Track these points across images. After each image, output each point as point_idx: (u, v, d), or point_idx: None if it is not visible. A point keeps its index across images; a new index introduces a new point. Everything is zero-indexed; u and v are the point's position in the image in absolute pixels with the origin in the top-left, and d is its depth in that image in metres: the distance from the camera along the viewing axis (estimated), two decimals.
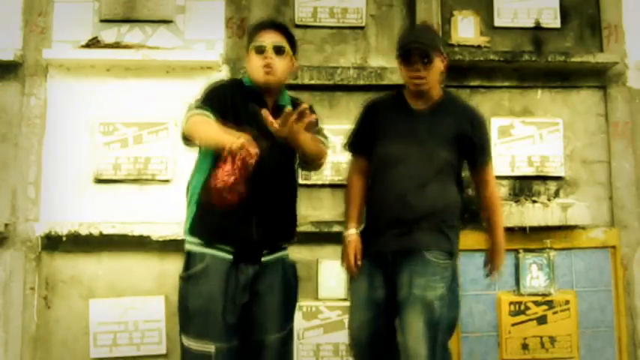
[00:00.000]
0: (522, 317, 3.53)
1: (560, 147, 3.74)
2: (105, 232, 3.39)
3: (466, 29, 3.79)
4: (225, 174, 2.06)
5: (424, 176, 2.54)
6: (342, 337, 3.46)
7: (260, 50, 2.40)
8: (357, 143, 2.77)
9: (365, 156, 2.71)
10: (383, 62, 3.76)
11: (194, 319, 2.29)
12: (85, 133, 3.57)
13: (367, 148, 2.69)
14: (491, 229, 2.77)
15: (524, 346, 3.52)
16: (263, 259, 2.38)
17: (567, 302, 3.55)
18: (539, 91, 3.81)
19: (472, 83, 3.74)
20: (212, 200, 2.13)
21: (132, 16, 3.67)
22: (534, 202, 3.59)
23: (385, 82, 3.63)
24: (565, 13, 3.85)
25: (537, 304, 3.54)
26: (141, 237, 3.40)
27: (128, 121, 3.57)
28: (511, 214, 3.47)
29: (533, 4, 3.83)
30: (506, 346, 3.51)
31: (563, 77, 3.79)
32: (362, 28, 3.80)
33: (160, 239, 3.39)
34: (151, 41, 3.66)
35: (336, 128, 3.61)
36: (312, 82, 3.58)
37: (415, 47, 2.55)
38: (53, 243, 3.44)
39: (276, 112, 2.40)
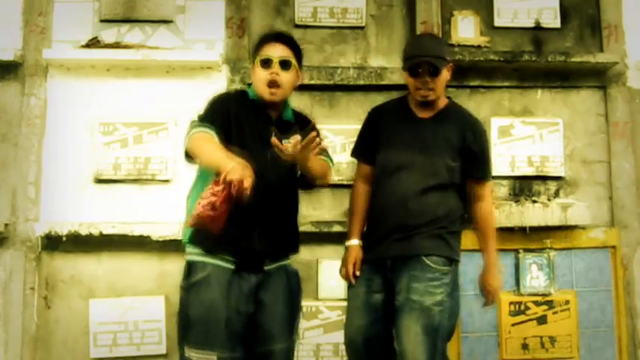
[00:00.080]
0: (522, 317, 3.53)
1: (560, 147, 3.74)
2: (105, 232, 3.38)
3: (466, 29, 3.79)
4: (214, 196, 2.04)
5: (426, 183, 2.54)
6: (342, 337, 3.46)
7: (266, 63, 2.39)
8: (360, 150, 2.78)
9: (369, 163, 2.71)
10: (383, 62, 3.76)
11: (195, 329, 2.27)
12: (85, 133, 3.57)
13: (371, 154, 2.70)
14: (482, 251, 2.72)
15: (524, 346, 3.52)
16: (265, 267, 2.37)
17: (567, 302, 3.55)
18: (539, 91, 3.80)
19: (472, 83, 3.74)
20: (196, 220, 2.10)
21: (132, 16, 3.67)
22: (534, 202, 3.59)
23: (385, 82, 3.64)
24: (565, 13, 3.85)
25: (537, 304, 3.54)
26: (141, 237, 3.40)
27: (128, 121, 3.57)
28: (511, 214, 3.47)
29: (533, 4, 3.83)
30: (506, 346, 3.51)
31: (563, 77, 3.78)
32: (362, 28, 3.80)
33: (160, 239, 3.39)
34: (151, 41, 3.66)
35: (336, 128, 3.62)
36: (312, 82, 3.58)
37: (425, 60, 2.54)
38: (53, 243, 3.44)
39: (280, 125, 2.41)
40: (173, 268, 3.39)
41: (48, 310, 3.46)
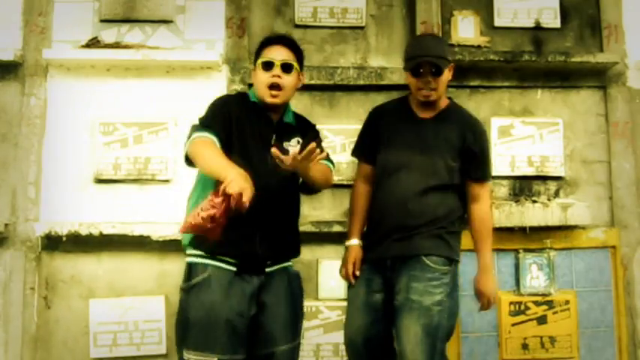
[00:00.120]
0: (522, 317, 3.53)
1: (560, 147, 3.74)
2: (105, 232, 3.38)
3: (466, 29, 3.79)
4: (213, 208, 2.03)
5: (426, 183, 2.54)
6: (342, 337, 3.46)
7: (268, 66, 2.38)
8: (361, 150, 2.79)
9: (369, 162, 2.72)
10: (383, 62, 3.76)
11: (195, 331, 2.25)
12: (85, 133, 3.57)
13: (372, 154, 2.70)
14: (477, 253, 2.68)
15: (524, 346, 3.52)
16: (267, 269, 2.37)
17: (567, 302, 3.55)
18: (539, 91, 3.80)
19: (472, 83, 3.74)
20: (195, 230, 2.09)
21: (132, 16, 3.67)
22: (534, 202, 3.59)
23: (385, 82, 3.64)
24: (565, 13, 3.85)
25: (537, 304, 3.54)
26: (141, 237, 3.39)
27: (128, 121, 3.57)
28: (511, 214, 3.47)
29: (533, 4, 3.83)
30: (506, 346, 3.51)
31: (563, 77, 3.78)
32: (362, 28, 3.80)
33: (160, 239, 3.38)
34: (151, 41, 3.66)
35: (336, 128, 3.62)
36: (312, 82, 3.58)
37: (428, 60, 2.55)
38: (53, 243, 3.44)
39: (281, 128, 2.41)
40: (173, 268, 3.40)
41: (48, 310, 3.46)
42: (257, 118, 2.40)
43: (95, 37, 3.63)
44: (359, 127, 2.86)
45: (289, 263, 2.49)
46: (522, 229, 3.49)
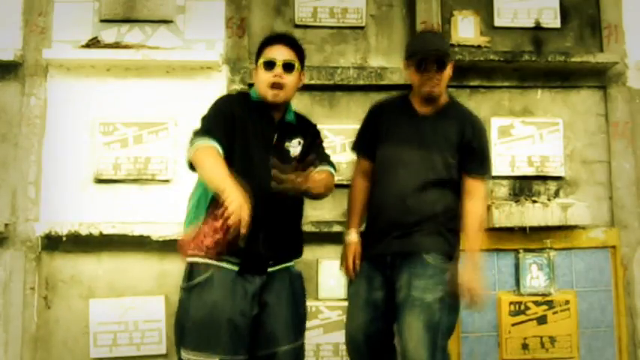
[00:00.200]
0: (522, 317, 3.53)
1: (560, 147, 3.74)
2: (105, 232, 3.38)
3: (466, 29, 3.79)
4: (216, 233, 2.07)
5: (424, 180, 2.54)
6: (342, 337, 3.42)
7: (269, 66, 2.38)
8: (360, 145, 2.79)
9: (369, 158, 2.72)
10: (383, 62, 3.76)
11: (196, 330, 2.24)
12: (85, 133, 3.57)
13: (371, 149, 2.70)
14: (466, 250, 2.59)
15: (524, 346, 3.51)
16: (269, 269, 2.36)
17: (567, 302, 3.55)
18: (539, 91, 3.80)
19: (472, 83, 3.74)
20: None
21: (132, 16, 3.67)
22: (534, 202, 3.59)
23: (385, 82, 3.64)
24: (565, 13, 3.85)
25: (537, 304, 3.54)
26: (141, 237, 3.39)
27: (128, 121, 3.57)
28: (511, 214, 3.47)
29: (533, 4, 3.83)
30: (506, 346, 3.51)
31: (563, 77, 3.78)
32: (362, 28, 3.80)
33: (160, 239, 3.38)
34: (151, 41, 3.66)
35: (336, 128, 3.62)
36: (312, 82, 3.58)
37: (433, 54, 2.55)
38: (53, 243, 3.44)
39: (283, 127, 2.41)
40: (173, 268, 3.39)
41: (48, 310, 3.46)
42: (259, 117, 2.40)
43: (95, 37, 3.63)
44: (359, 127, 2.86)
45: (291, 263, 2.48)
46: (522, 229, 3.49)
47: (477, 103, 3.69)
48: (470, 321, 3.50)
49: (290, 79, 2.40)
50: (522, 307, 3.54)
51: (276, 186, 2.21)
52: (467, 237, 2.58)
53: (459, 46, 3.74)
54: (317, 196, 2.47)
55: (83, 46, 3.59)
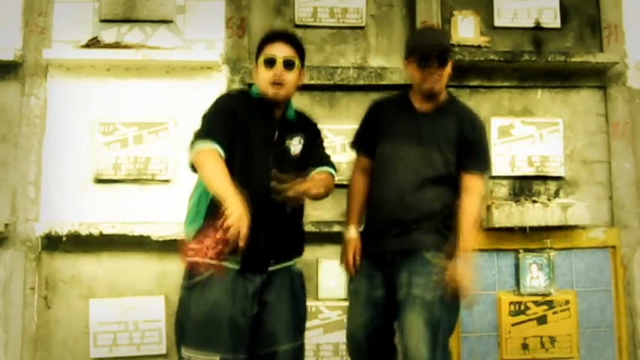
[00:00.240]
0: (522, 317, 3.53)
1: (560, 147, 3.74)
2: (105, 232, 3.38)
3: (466, 29, 3.79)
4: (219, 244, 2.11)
5: (423, 177, 2.55)
6: (342, 337, 3.41)
7: (270, 63, 2.38)
8: (360, 142, 2.80)
9: (368, 155, 2.73)
10: (383, 62, 3.77)
11: (197, 329, 2.24)
12: (85, 133, 3.57)
13: (370, 147, 2.71)
14: (459, 249, 2.53)
15: (524, 346, 3.51)
16: (270, 268, 2.36)
17: (567, 302, 3.55)
18: (539, 91, 3.80)
19: (472, 83, 3.74)
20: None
21: (132, 16, 3.67)
22: (534, 202, 3.59)
23: (385, 82, 3.64)
24: (565, 13, 3.85)
25: (537, 304, 3.54)
26: (141, 237, 3.40)
27: (128, 121, 3.57)
28: (511, 214, 3.46)
29: (533, 4, 3.83)
30: (506, 346, 3.51)
31: (563, 77, 3.78)
32: (362, 28, 3.80)
33: (160, 239, 3.38)
34: (151, 41, 3.66)
35: (336, 128, 3.62)
36: (312, 82, 3.58)
37: (436, 49, 2.56)
38: (53, 243, 3.44)
39: (284, 125, 2.41)
40: (173, 268, 3.39)
41: (48, 310, 3.46)
42: (260, 114, 2.40)
43: (95, 37, 3.63)
44: (358, 124, 2.86)
45: (292, 262, 2.48)
46: (522, 229, 3.49)
47: (476, 103, 3.69)
48: (470, 321, 3.50)
49: (290, 77, 2.40)
50: (522, 307, 3.54)
51: (276, 197, 2.23)
52: (461, 233, 2.53)
53: (459, 46, 3.74)
54: (317, 197, 2.47)
55: (83, 46, 3.59)
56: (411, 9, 3.78)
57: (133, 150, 3.55)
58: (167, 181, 3.55)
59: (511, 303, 3.53)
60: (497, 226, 3.45)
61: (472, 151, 2.61)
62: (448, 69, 2.61)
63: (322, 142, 2.62)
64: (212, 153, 2.23)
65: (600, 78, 3.78)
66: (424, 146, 2.57)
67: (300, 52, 2.46)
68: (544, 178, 3.73)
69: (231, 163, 2.25)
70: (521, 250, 3.56)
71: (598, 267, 3.60)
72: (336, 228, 3.43)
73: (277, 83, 2.36)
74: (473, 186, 2.59)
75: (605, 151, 3.76)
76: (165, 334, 3.42)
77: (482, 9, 3.83)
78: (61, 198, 3.52)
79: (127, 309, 3.44)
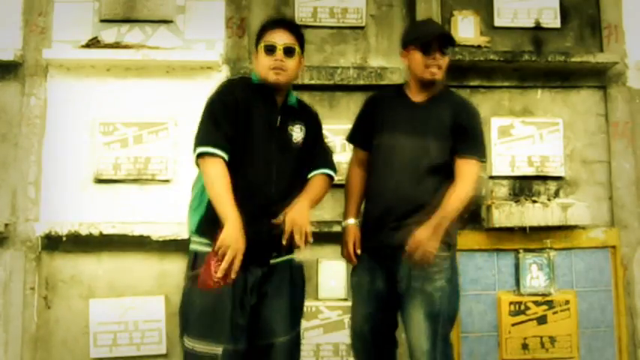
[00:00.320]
0: (522, 317, 3.53)
1: (560, 147, 3.74)
2: (105, 232, 3.38)
3: (466, 29, 3.79)
4: (218, 266, 2.22)
5: (420, 167, 2.56)
6: (342, 337, 3.46)
7: (270, 50, 2.39)
8: (356, 135, 2.81)
9: (364, 148, 2.74)
10: (383, 62, 3.77)
11: (200, 319, 2.27)
12: (85, 133, 3.57)
13: (366, 140, 2.72)
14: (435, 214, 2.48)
15: (524, 346, 3.51)
16: (271, 261, 2.38)
17: (567, 302, 3.55)
18: (539, 91, 3.80)
19: (472, 83, 3.74)
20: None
21: (132, 16, 3.67)
22: (534, 202, 3.59)
23: (385, 82, 3.63)
24: (565, 13, 3.85)
25: (537, 304, 3.54)
26: (141, 237, 3.40)
27: (128, 121, 3.57)
28: (511, 214, 3.47)
29: (533, 4, 3.83)
30: (506, 346, 3.51)
31: (563, 77, 3.78)
32: (362, 28, 3.80)
33: (160, 239, 3.39)
34: (151, 41, 3.66)
35: (336, 128, 3.61)
36: (312, 82, 3.58)
37: (441, 36, 2.60)
38: (53, 243, 3.44)
39: (285, 111, 2.42)
40: (173, 268, 3.40)
41: (48, 310, 3.46)
42: (262, 100, 2.41)
43: (95, 37, 3.63)
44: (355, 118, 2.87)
45: (293, 255, 2.49)
46: (522, 229, 3.49)
47: (477, 103, 3.66)
48: (470, 321, 3.51)
49: (291, 64, 2.41)
50: (522, 307, 3.54)
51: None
52: (442, 205, 2.48)
53: (459, 46, 3.72)
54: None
55: (83, 46, 3.59)
56: (411, 9, 3.78)
57: (133, 150, 3.56)
58: (167, 181, 3.55)
59: (511, 303, 3.53)
60: (497, 226, 3.45)
61: (466, 135, 2.60)
62: (447, 59, 2.63)
63: (322, 134, 2.62)
64: (216, 164, 2.27)
65: (600, 78, 3.78)
66: (420, 136, 2.58)
67: (300, 38, 2.47)
68: (544, 178, 3.73)
69: (234, 153, 2.29)
70: (521, 250, 3.56)
71: (598, 267, 3.60)
72: (336, 228, 3.41)
73: (278, 69, 2.38)
74: (466, 170, 2.56)
75: (605, 151, 3.76)
76: (165, 334, 3.42)
77: (482, 9, 3.83)
78: (61, 198, 3.52)
79: (127, 309, 3.44)
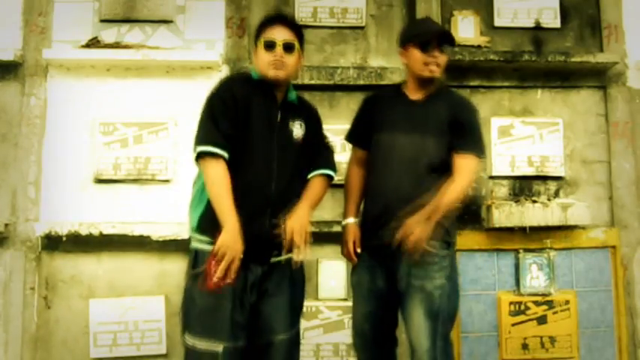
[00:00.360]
0: (522, 317, 3.53)
1: (560, 147, 3.74)
2: (105, 232, 3.38)
3: (466, 29, 3.79)
4: (217, 274, 2.25)
5: (419, 166, 2.56)
6: (342, 337, 3.46)
7: (270, 46, 2.40)
8: (355, 134, 2.82)
9: (363, 147, 2.75)
10: (383, 62, 3.77)
11: (201, 317, 2.28)
12: (85, 133, 3.57)
13: (365, 139, 2.73)
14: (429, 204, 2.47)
15: (524, 346, 3.52)
16: (272, 259, 2.38)
17: (567, 302, 3.55)
18: (539, 91, 3.81)
19: (472, 83, 3.74)
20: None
21: (132, 16, 3.67)
22: (534, 202, 3.59)
23: (385, 82, 3.63)
24: (565, 13, 3.85)
25: (537, 304, 3.54)
26: (141, 237, 3.40)
27: (128, 121, 3.57)
28: (511, 214, 3.47)
29: (533, 4, 3.83)
30: (506, 346, 3.51)
31: (563, 77, 3.79)
32: (362, 28, 3.80)
33: (160, 239, 3.39)
34: (151, 41, 3.66)
35: (336, 128, 3.61)
36: (312, 82, 3.58)
37: (441, 34, 2.61)
38: (53, 243, 3.44)
39: (286, 107, 2.42)
40: (173, 268, 3.40)
41: (48, 310, 3.46)
42: (262, 96, 2.41)
43: (95, 37, 3.63)
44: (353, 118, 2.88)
45: (294, 254, 2.49)
46: (522, 229, 3.49)
47: (477, 103, 3.65)
48: (470, 321, 3.51)
49: (290, 60, 2.42)
50: (522, 307, 3.54)
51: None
52: (437, 196, 2.47)
53: (459, 46, 3.72)
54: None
55: (83, 46, 3.59)
56: (411, 9, 3.78)
57: (133, 150, 3.56)
58: (167, 181, 3.55)
59: (511, 303, 3.53)
60: (497, 226, 3.46)
61: (464, 132, 2.60)
62: (446, 57, 2.64)
63: (323, 131, 2.62)
64: (216, 164, 2.28)
65: (600, 78, 3.78)
66: (418, 133, 2.58)
67: (300, 35, 2.48)
68: (544, 178, 3.73)
69: (234, 150, 2.29)
70: (521, 250, 3.56)
71: (598, 267, 3.61)
72: (336, 228, 3.42)
73: (277, 65, 2.38)
74: (463, 165, 2.55)
75: (605, 151, 3.76)
76: (165, 334, 3.42)
77: (482, 9, 3.83)
78: (61, 198, 3.52)
79: (127, 309, 3.44)
